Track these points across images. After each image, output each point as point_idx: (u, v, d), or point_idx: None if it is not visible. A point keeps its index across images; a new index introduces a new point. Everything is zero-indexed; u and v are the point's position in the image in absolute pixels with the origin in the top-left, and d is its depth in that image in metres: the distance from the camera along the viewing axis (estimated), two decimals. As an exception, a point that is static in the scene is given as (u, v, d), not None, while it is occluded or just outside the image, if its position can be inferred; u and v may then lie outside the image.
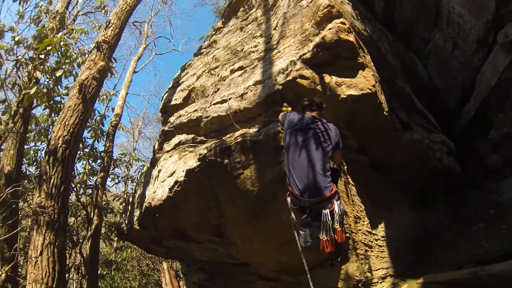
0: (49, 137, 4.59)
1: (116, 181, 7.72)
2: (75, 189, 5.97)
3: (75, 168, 5.94)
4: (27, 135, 5.46)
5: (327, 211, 2.28)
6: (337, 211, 2.32)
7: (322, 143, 2.47)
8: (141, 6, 14.75)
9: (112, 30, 4.09)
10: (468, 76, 5.16)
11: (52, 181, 3.69)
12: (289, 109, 3.09)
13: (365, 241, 3.61)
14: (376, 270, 3.65)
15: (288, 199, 2.47)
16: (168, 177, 3.43)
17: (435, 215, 4.91)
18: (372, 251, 3.72)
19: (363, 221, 3.64)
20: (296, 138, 2.48)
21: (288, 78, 3.04)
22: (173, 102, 4.47)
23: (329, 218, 2.27)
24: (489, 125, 4.95)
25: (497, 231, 4.18)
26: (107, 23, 4.18)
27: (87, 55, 4.37)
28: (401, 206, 4.45)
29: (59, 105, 4.73)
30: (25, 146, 5.49)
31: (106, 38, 4.03)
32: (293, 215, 2.45)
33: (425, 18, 5.50)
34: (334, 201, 2.35)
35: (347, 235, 3.25)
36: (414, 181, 4.51)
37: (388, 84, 4.01)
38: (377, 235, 3.86)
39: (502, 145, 4.84)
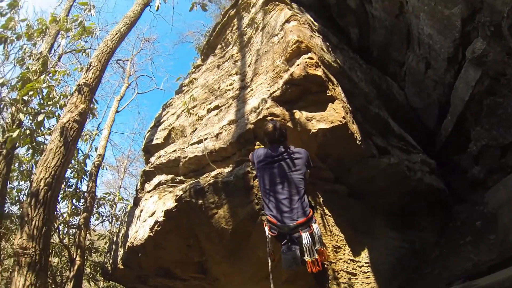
0: (31, 177, 4.64)
1: (101, 220, 7.72)
2: (58, 229, 5.96)
3: (58, 208, 5.97)
4: (10, 175, 5.50)
5: (307, 233, 2.37)
6: (316, 232, 2.43)
7: (293, 171, 2.57)
8: (124, 44, 15.08)
9: (93, 73, 4.23)
10: (443, 93, 5.32)
11: (33, 222, 3.73)
12: (262, 147, 3.16)
13: (347, 269, 3.62)
14: (362, 296, 3.65)
15: (266, 228, 2.53)
16: (149, 217, 3.47)
17: (421, 234, 4.92)
18: (356, 279, 3.72)
19: (344, 250, 3.66)
20: (268, 171, 2.60)
21: (259, 117, 3.14)
22: (154, 142, 4.58)
23: (310, 240, 2.36)
24: (467, 138, 5.05)
25: (484, 242, 4.19)
26: (88, 66, 4.32)
27: (69, 97, 4.50)
28: (384, 229, 4.47)
29: (42, 146, 4.80)
30: (8, 186, 5.54)
31: (87, 80, 4.16)
32: (269, 244, 2.50)
33: (397, 41, 5.72)
34: (312, 224, 2.45)
35: (326, 265, 3.27)
36: (395, 203, 4.55)
37: (361, 111, 4.12)
38: (360, 261, 3.86)
39: (482, 156, 4.94)
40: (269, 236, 2.47)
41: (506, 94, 4.28)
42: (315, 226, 2.45)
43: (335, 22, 6.43)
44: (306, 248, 2.32)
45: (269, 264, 2.47)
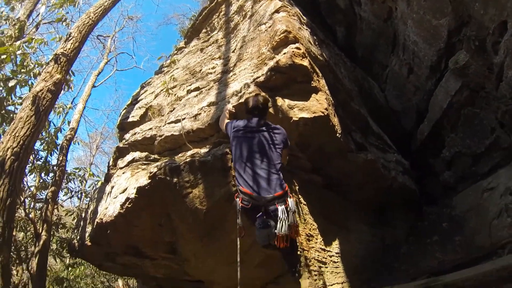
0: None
1: (70, 195, 7.44)
2: (24, 203, 5.69)
3: (25, 181, 5.70)
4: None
5: (283, 207, 2.34)
6: (291, 207, 2.40)
7: (270, 144, 2.57)
8: (106, 20, 14.55)
9: (72, 44, 4.05)
10: (423, 99, 5.50)
11: (-3, 194, 3.54)
12: None
13: (318, 257, 3.69)
14: (331, 285, 3.73)
15: (238, 200, 2.47)
16: (120, 193, 3.38)
17: (392, 230, 5.11)
18: (326, 267, 3.81)
19: (316, 239, 3.73)
20: (246, 142, 2.57)
21: (240, 101, 3.13)
22: (130, 119, 4.45)
23: (286, 214, 2.32)
24: (442, 144, 5.26)
25: (450, 243, 4.41)
26: (68, 36, 4.13)
27: (44, 66, 4.28)
28: (358, 223, 4.60)
29: (11, 115, 4.56)
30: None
31: (65, 50, 3.98)
32: (239, 218, 2.45)
33: (383, 45, 5.87)
34: (288, 199, 2.43)
35: (299, 252, 3.31)
36: (370, 199, 4.69)
37: (343, 107, 4.20)
38: (331, 251, 3.96)
39: (454, 162, 5.15)
40: (240, 209, 2.42)
41: (483, 106, 4.43)
42: (290, 201, 2.42)
43: (323, 19, 6.51)
44: (280, 221, 2.29)
45: (238, 241, 2.43)
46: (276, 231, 2.29)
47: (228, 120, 2.87)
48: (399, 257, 4.78)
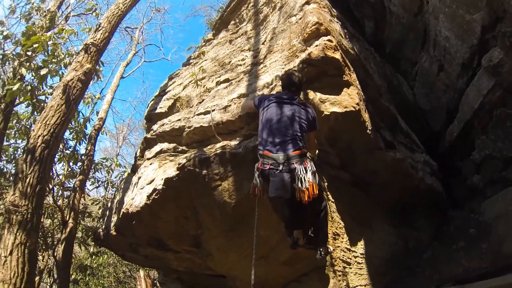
0: (29, 135, 4.52)
1: (96, 185, 7.62)
2: (52, 190, 5.84)
3: (53, 169, 5.82)
4: (8, 132, 5.34)
5: (301, 166, 2.34)
6: (310, 167, 2.39)
7: (297, 116, 2.57)
8: (134, 12, 14.67)
9: (101, 34, 4.08)
10: (453, 98, 5.27)
11: (28, 180, 3.62)
12: None
13: (343, 258, 3.60)
14: (355, 287, 3.64)
15: (257, 164, 2.50)
16: (147, 184, 3.38)
17: (416, 233, 4.94)
18: (350, 268, 3.71)
19: (342, 238, 3.63)
20: (275, 108, 2.61)
21: (272, 93, 3.06)
22: (158, 110, 4.45)
23: (304, 171, 2.31)
24: (471, 146, 5.03)
25: (477, 250, 4.21)
26: (97, 26, 4.17)
27: (75, 56, 4.34)
28: (382, 223, 4.47)
29: (42, 104, 4.64)
30: (5, 143, 5.37)
31: (95, 40, 4.01)
32: (256, 179, 2.45)
33: (413, 40, 5.65)
34: (307, 161, 2.43)
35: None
36: (396, 199, 4.54)
37: (373, 103, 4.07)
38: (356, 252, 3.85)
39: (484, 166, 4.91)
40: (258, 171, 2.43)
41: (517, 108, 4.24)
42: (310, 163, 2.41)
43: (351, 13, 6.33)
44: (298, 177, 2.28)
45: (256, 201, 2.46)
46: (295, 184, 2.28)
47: (255, 97, 2.95)
48: (423, 261, 4.61)
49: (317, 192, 2.37)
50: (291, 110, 2.57)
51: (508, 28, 3.87)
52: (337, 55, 3.34)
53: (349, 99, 3.35)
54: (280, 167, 2.34)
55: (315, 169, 2.44)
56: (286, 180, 2.30)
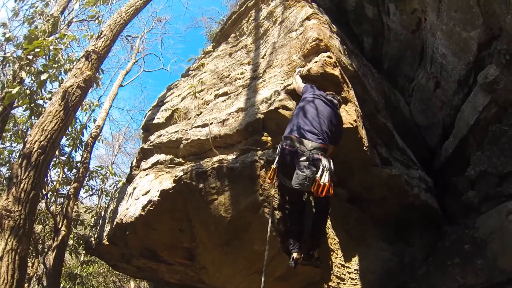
0: (25, 139, 4.47)
1: (90, 193, 7.51)
2: (46, 196, 5.76)
3: (48, 175, 5.77)
4: (3, 135, 5.29)
5: (326, 160, 2.45)
6: (328, 165, 2.46)
7: (329, 119, 2.78)
8: (135, 21, 14.80)
9: (103, 41, 4.10)
10: (449, 115, 5.33)
11: (22, 185, 3.57)
12: (269, 138, 3.12)
13: (337, 273, 3.59)
14: (348, 303, 3.62)
15: (278, 147, 2.63)
16: (142, 195, 3.35)
17: (411, 249, 4.93)
18: (344, 284, 3.70)
19: (337, 254, 3.62)
20: (315, 102, 2.81)
21: (270, 108, 3.08)
22: (155, 121, 4.46)
23: (327, 165, 2.43)
24: (467, 162, 5.07)
25: (472, 266, 4.21)
26: (99, 34, 4.18)
27: (75, 63, 4.34)
28: (377, 239, 4.46)
29: (40, 109, 4.62)
30: (0, 146, 5.32)
31: (96, 48, 4.02)
32: (277, 161, 2.57)
33: (410, 57, 5.73)
34: (328, 157, 2.55)
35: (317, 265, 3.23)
36: (391, 215, 4.55)
37: (370, 119, 4.11)
38: (350, 268, 3.84)
39: (479, 182, 4.94)
40: (280, 152, 2.55)
41: (512, 124, 4.30)
42: (330, 161, 2.51)
43: (350, 28, 6.42)
44: (323, 169, 2.37)
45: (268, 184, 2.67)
46: (317, 176, 2.35)
47: (306, 83, 3.12)
48: (418, 277, 4.60)
49: (332, 192, 2.47)
50: (327, 113, 2.80)
51: (504, 45, 3.93)
52: (336, 72, 3.38)
53: (347, 115, 3.39)
54: (306, 154, 2.43)
55: (333, 167, 2.53)
56: (311, 177, 2.38)
